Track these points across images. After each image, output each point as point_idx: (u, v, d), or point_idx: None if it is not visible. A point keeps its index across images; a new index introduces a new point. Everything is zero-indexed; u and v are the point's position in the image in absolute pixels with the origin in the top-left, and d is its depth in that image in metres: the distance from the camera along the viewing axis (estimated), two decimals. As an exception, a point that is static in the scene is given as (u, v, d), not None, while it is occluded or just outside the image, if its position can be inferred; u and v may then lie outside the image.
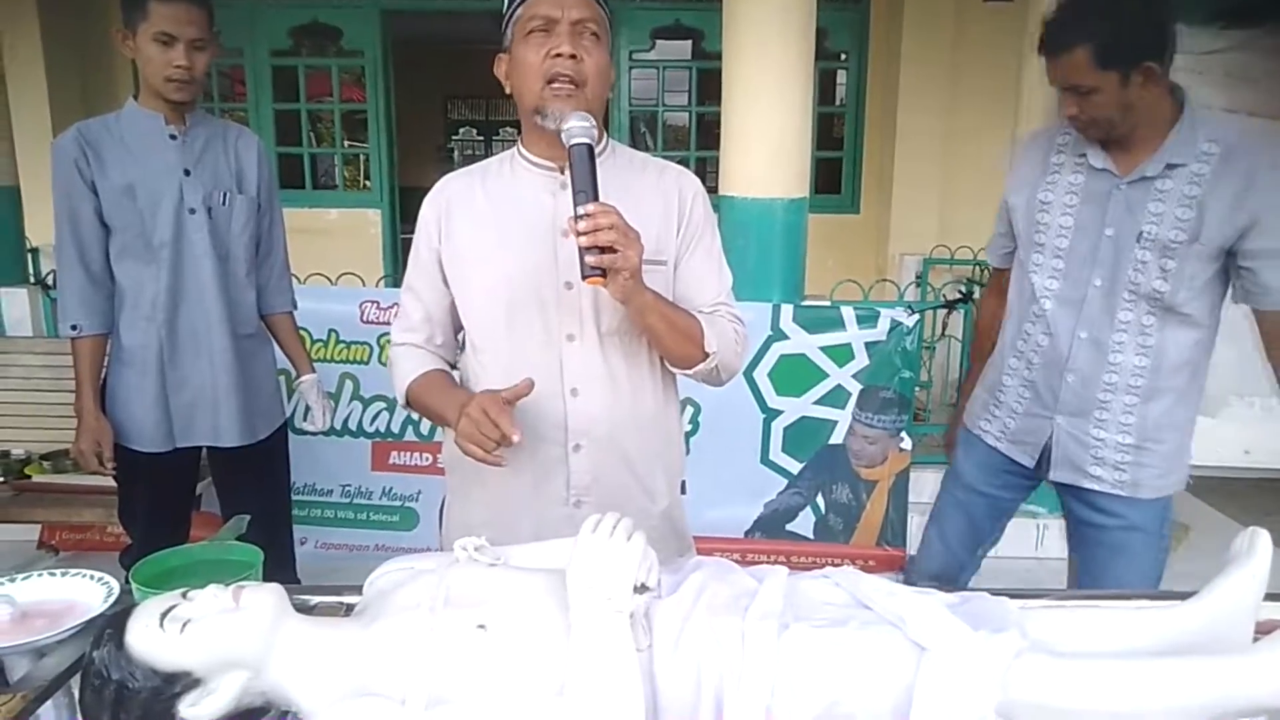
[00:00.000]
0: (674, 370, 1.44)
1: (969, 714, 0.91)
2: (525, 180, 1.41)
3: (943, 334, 4.03)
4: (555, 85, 1.29)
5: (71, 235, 2.04)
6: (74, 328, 2.06)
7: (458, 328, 1.49)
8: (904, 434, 3.22)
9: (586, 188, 1.20)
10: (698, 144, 5.36)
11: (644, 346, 1.42)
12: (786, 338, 3.16)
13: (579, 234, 1.17)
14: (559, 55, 1.28)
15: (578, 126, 1.23)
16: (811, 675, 0.93)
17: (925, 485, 3.46)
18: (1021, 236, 1.82)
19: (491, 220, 1.40)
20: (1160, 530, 1.79)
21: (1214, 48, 3.16)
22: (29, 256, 3.97)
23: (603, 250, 1.18)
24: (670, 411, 1.51)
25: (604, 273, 1.19)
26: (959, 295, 3.76)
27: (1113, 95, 1.56)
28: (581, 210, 1.18)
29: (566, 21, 1.29)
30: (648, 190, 1.41)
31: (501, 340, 1.39)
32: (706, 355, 1.36)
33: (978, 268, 4.55)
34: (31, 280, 3.88)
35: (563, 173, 1.38)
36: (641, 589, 0.96)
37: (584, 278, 1.21)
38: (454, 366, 1.50)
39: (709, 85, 4.81)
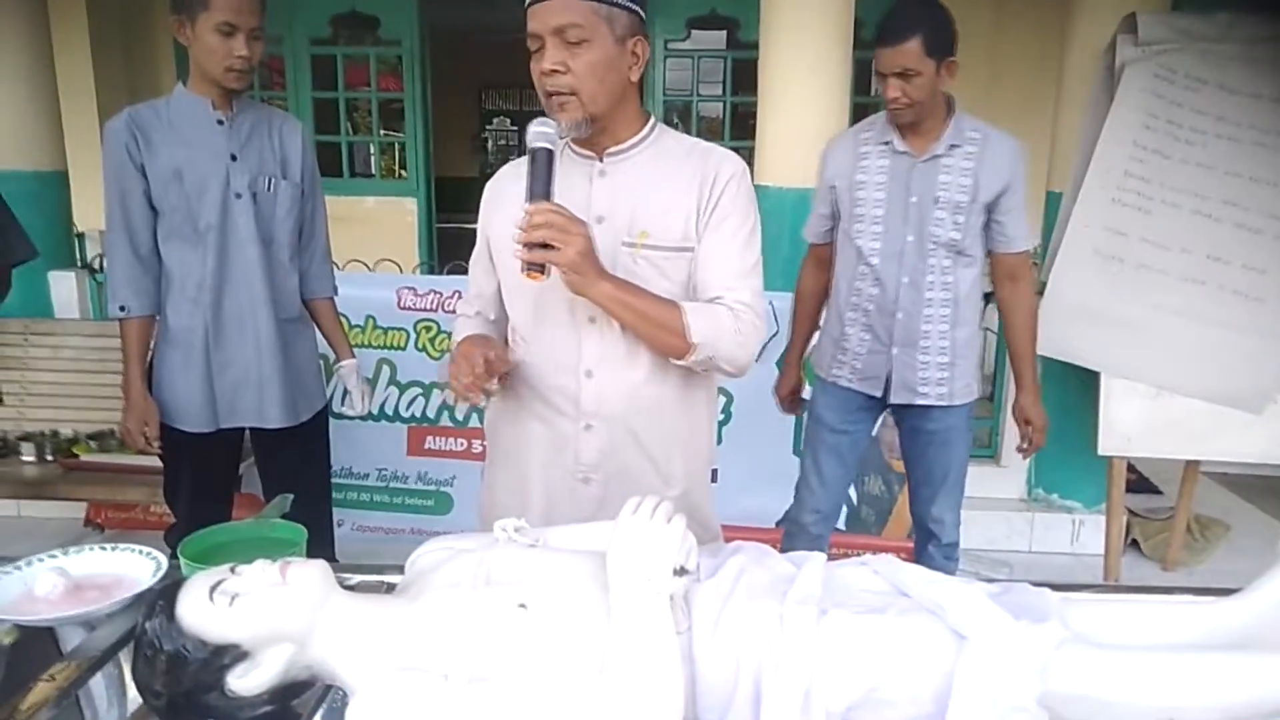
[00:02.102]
0: (675, 360, 1.40)
1: (1009, 703, 0.91)
2: (570, 170, 1.42)
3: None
4: (551, 100, 1.34)
5: (121, 218, 2.08)
6: (122, 308, 2.11)
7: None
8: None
9: (538, 188, 1.28)
10: (732, 134, 5.33)
11: None
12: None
13: (521, 230, 1.26)
14: (544, 73, 1.32)
15: (538, 133, 1.29)
16: (850, 661, 0.93)
17: (960, 479, 3.44)
18: (845, 212, 2.27)
19: None
20: (968, 427, 2.35)
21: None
22: (77, 241, 4.05)
23: (543, 246, 1.25)
24: (698, 397, 1.51)
25: (542, 268, 1.27)
26: (996, 287, 3.72)
27: (929, 81, 2.06)
28: (526, 208, 1.27)
29: (547, 33, 1.30)
30: (683, 176, 1.41)
31: (531, 321, 1.46)
32: (691, 345, 1.34)
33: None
34: (79, 264, 3.96)
35: (601, 159, 1.42)
36: (681, 572, 0.97)
37: (521, 273, 1.29)
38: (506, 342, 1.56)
39: (744, 75, 4.78)
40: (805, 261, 2.50)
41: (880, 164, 2.20)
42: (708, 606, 0.98)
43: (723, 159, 1.44)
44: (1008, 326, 2.35)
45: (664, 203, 1.40)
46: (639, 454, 1.46)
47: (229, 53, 1.98)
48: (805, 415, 2.58)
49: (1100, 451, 2.88)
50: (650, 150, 1.42)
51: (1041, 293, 3.06)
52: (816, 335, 2.51)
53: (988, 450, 3.61)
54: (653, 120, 1.46)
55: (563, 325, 1.42)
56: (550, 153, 1.29)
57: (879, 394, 2.30)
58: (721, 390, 3.23)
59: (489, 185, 1.54)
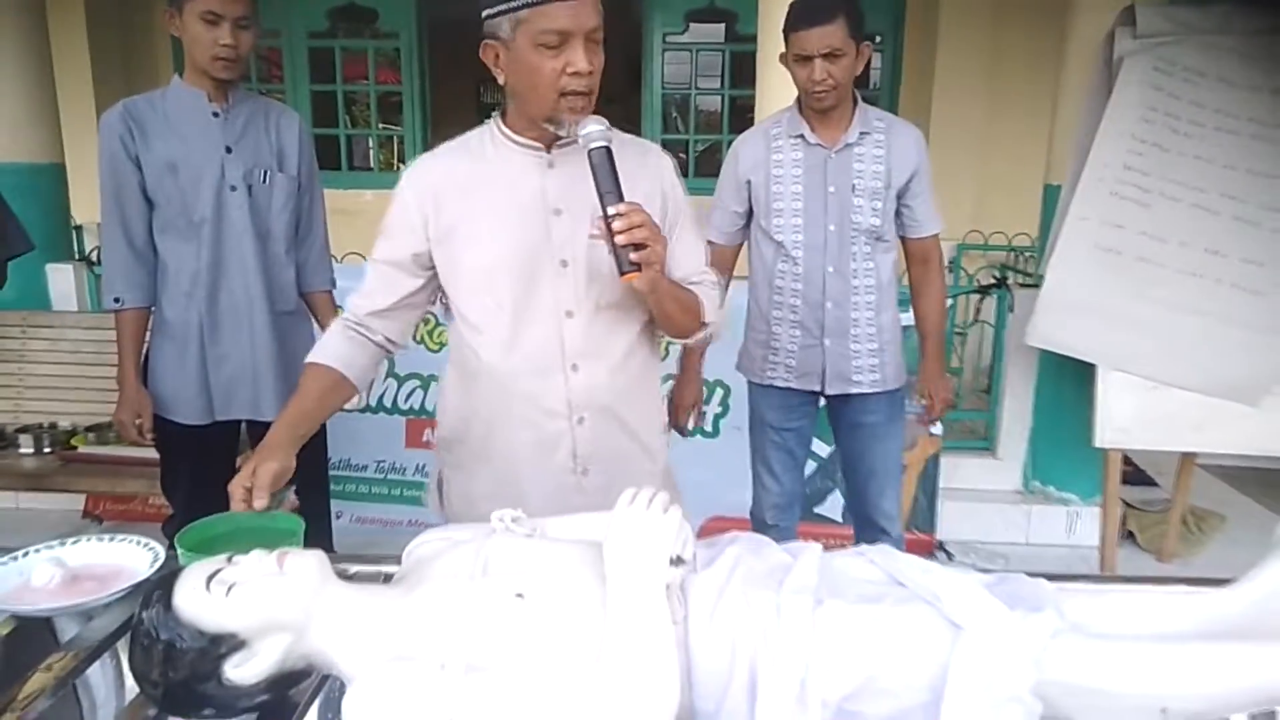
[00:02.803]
0: (674, 340, 1.52)
1: (1005, 693, 0.91)
2: (514, 160, 1.41)
3: (975, 319, 3.99)
4: (569, 98, 1.30)
5: (116, 209, 2.08)
6: (116, 300, 2.11)
7: (418, 312, 1.51)
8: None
9: (612, 189, 1.26)
10: (730, 127, 5.32)
11: (634, 318, 1.46)
12: (819, 321, 3.14)
13: (615, 233, 1.24)
14: (577, 73, 1.28)
15: (596, 131, 1.27)
16: (846, 650, 0.93)
17: (956, 471, 3.45)
18: (761, 207, 2.25)
19: (484, 201, 1.40)
20: (901, 415, 2.39)
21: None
22: (74, 233, 4.04)
23: (637, 247, 1.24)
24: (654, 372, 1.58)
25: (639, 267, 1.26)
26: (993, 280, 3.73)
27: (850, 62, 2.05)
28: (613, 210, 1.24)
29: (581, 34, 1.27)
30: (638, 172, 1.41)
31: (503, 319, 1.41)
32: (704, 325, 1.46)
33: (1013, 253, 4.49)
34: (76, 256, 3.95)
35: (549, 150, 1.40)
36: (677, 561, 0.97)
37: (621, 274, 1.27)
38: (389, 350, 1.50)
39: (743, 68, 4.77)
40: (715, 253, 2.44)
41: (795, 156, 2.19)
42: (704, 596, 0.98)
43: (663, 156, 1.50)
44: (919, 308, 2.37)
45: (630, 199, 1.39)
46: (627, 437, 1.50)
47: (214, 41, 1.98)
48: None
49: (1096, 443, 2.88)
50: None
51: (1038, 285, 3.06)
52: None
53: (984, 442, 3.62)
54: None
55: (543, 324, 1.41)
56: (609, 150, 1.27)
57: (817, 388, 2.30)
58: (718, 383, 3.24)
59: (418, 178, 1.44)
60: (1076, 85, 3.23)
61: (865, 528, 2.44)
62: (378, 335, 1.46)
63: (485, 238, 1.40)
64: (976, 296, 3.76)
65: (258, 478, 1.25)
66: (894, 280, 2.29)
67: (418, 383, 3.30)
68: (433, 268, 1.45)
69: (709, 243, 2.28)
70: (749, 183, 2.25)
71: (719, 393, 3.26)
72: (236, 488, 1.25)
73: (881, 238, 2.21)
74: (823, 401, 2.38)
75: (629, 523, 0.98)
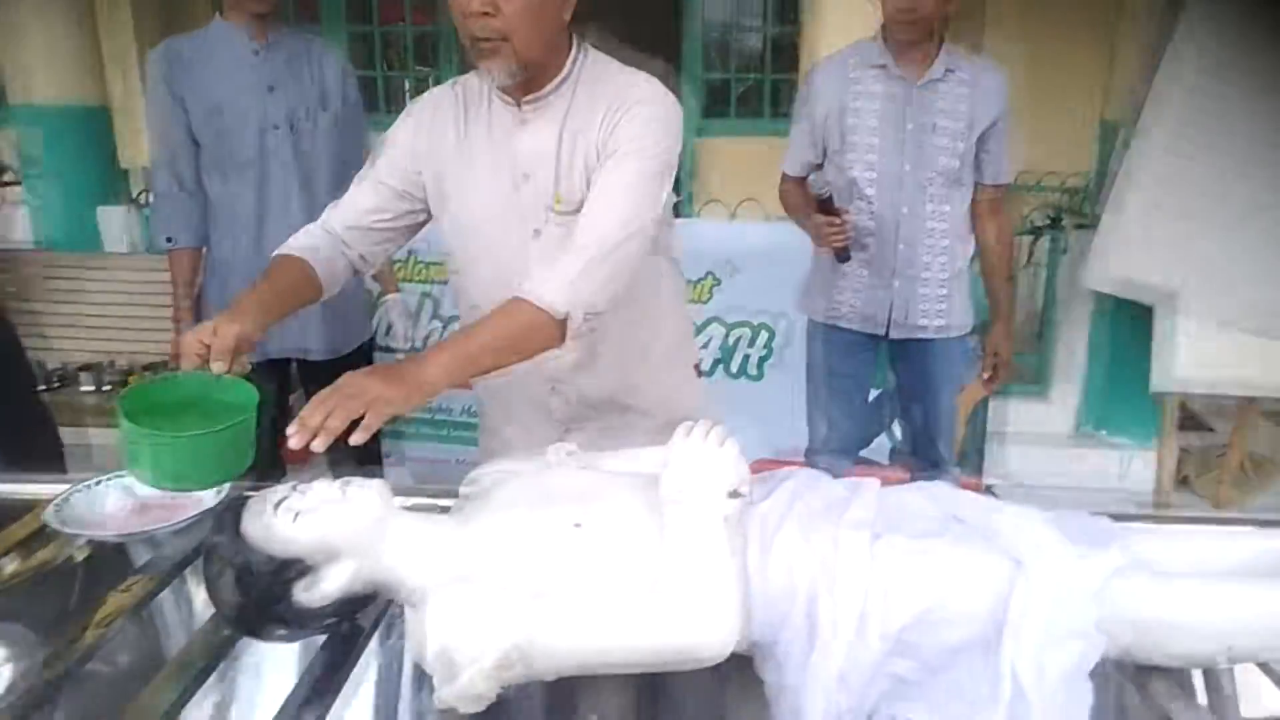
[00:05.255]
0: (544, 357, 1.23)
1: (1067, 628, 0.90)
2: (496, 112, 1.31)
3: (1028, 261, 3.89)
4: (475, 46, 1.18)
5: (164, 150, 2.09)
6: (168, 240, 2.14)
7: (393, 241, 1.42)
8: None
9: None
10: (774, 67, 5.19)
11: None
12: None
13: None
14: (469, 14, 1.16)
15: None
16: (905, 584, 0.93)
17: (1005, 414, 3.40)
18: (835, 143, 2.15)
19: (467, 154, 1.32)
20: (962, 359, 2.34)
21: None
22: (124, 175, 4.09)
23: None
24: (657, 311, 1.46)
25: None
26: (1047, 221, 3.63)
27: None
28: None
29: None
30: (596, 117, 1.26)
31: (475, 269, 1.38)
32: (561, 321, 1.17)
33: (1064, 195, 4.36)
34: (127, 198, 4.00)
35: (520, 107, 1.29)
36: (735, 495, 0.97)
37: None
38: (357, 270, 1.41)
39: (785, 6, 4.64)
40: (783, 188, 2.33)
41: (874, 89, 2.10)
42: (761, 529, 0.98)
43: (630, 90, 1.26)
44: (987, 258, 2.28)
45: (570, 157, 1.27)
46: (614, 399, 1.46)
47: None
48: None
49: (1153, 388, 2.82)
50: (569, 91, 1.28)
51: (1094, 227, 2.97)
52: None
53: (1035, 385, 3.56)
54: (575, 50, 1.30)
55: (510, 281, 1.24)
56: None
57: (881, 332, 2.24)
58: (763, 325, 3.22)
59: (422, 109, 1.36)
60: (1136, 14, 3.09)
61: (918, 471, 2.41)
62: (352, 250, 1.37)
63: (467, 192, 1.33)
64: (1029, 238, 3.67)
65: (219, 337, 1.08)
66: (968, 226, 2.22)
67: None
68: (418, 202, 1.37)
69: (783, 175, 2.30)
70: (825, 116, 2.14)
71: (763, 335, 3.24)
72: (191, 342, 1.08)
73: (959, 181, 2.13)
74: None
75: (687, 455, 0.98)
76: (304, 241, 1.34)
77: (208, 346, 1.08)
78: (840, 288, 2.25)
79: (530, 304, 1.16)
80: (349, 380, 1.03)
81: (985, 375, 2.39)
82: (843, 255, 2.18)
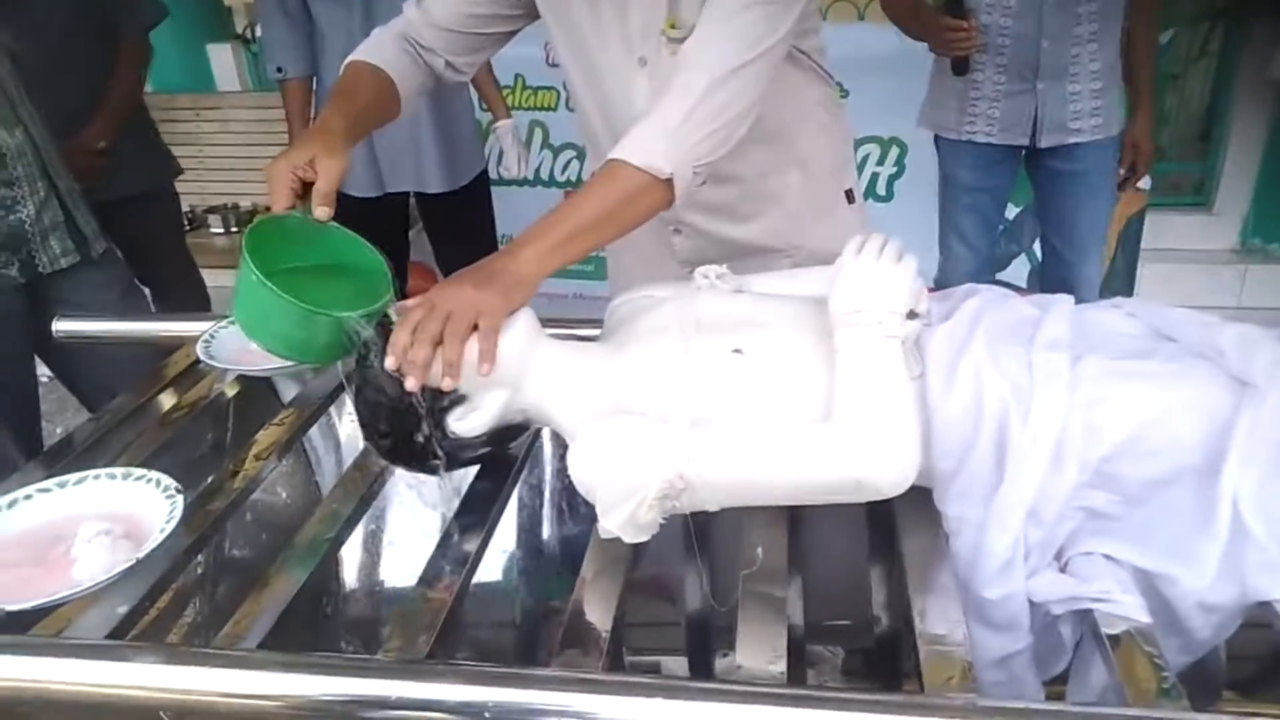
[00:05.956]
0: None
1: (1304, 458, 0.79)
2: None
3: (1200, 55, 3.44)
4: None
5: None
6: (279, 70, 2.09)
7: (489, 48, 1.28)
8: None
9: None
10: None
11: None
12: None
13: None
14: None
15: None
16: (1110, 408, 0.83)
17: (1163, 231, 3.11)
18: None
19: None
20: (1115, 165, 2.13)
21: None
22: (228, 12, 4.02)
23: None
24: (799, 134, 1.27)
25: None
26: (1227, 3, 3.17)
27: None
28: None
29: None
30: None
31: (583, 102, 1.27)
32: (667, 181, 0.99)
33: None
34: (234, 35, 3.94)
35: None
36: (912, 316, 0.87)
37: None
38: (444, 77, 1.27)
39: None
40: None
41: None
42: (943, 351, 0.88)
43: None
44: (1137, 46, 2.04)
45: None
46: (736, 239, 1.31)
47: None
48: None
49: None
50: None
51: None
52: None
53: (1197, 197, 3.23)
54: None
55: (624, 121, 1.11)
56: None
57: (1024, 141, 2.06)
58: (894, 140, 2.99)
59: None
60: None
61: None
62: (438, 57, 1.21)
63: (574, 9, 1.17)
64: (1206, 25, 3.22)
65: (322, 177, 0.97)
66: (1120, 6, 1.98)
67: (574, 153, 3.20)
68: (519, 4, 1.22)
69: None
70: None
71: (894, 151, 3.02)
72: (285, 174, 0.96)
73: None
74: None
75: (858, 274, 0.88)
76: (389, 52, 1.19)
77: (303, 183, 0.98)
78: (974, 98, 2.07)
79: (628, 166, 0.98)
80: (441, 295, 0.89)
81: (1122, 171, 2.16)
82: (961, 66, 1.99)
